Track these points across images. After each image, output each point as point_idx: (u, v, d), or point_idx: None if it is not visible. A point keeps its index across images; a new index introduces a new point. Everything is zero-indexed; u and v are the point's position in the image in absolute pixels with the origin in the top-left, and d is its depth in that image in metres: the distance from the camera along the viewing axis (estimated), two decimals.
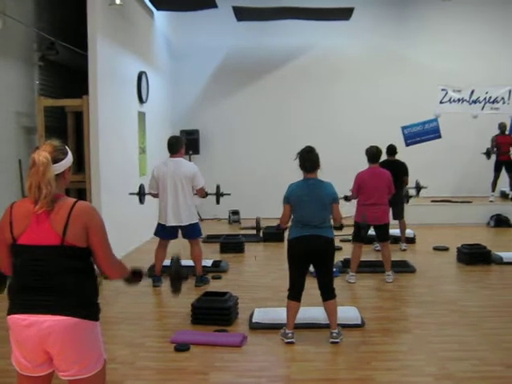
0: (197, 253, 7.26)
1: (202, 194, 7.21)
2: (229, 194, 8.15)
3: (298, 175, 5.29)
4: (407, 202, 9.48)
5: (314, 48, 13.43)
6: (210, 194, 7.59)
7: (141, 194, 7.60)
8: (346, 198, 7.44)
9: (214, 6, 11.06)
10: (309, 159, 5.19)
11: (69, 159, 2.90)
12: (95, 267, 2.91)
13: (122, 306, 6.45)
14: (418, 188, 9.93)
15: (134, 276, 3.22)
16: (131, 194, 7.77)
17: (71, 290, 2.75)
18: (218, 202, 8.00)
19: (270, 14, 11.70)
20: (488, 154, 12.49)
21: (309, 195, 5.14)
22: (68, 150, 2.92)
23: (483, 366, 4.66)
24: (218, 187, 7.92)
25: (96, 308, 2.87)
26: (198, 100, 13.53)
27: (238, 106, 13.53)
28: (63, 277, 2.74)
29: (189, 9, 11.84)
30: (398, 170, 8.88)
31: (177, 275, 3.52)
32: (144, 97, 10.45)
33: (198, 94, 13.56)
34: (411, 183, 9.59)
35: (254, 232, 10.24)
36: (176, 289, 3.51)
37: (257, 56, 13.40)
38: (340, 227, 5.50)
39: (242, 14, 11.59)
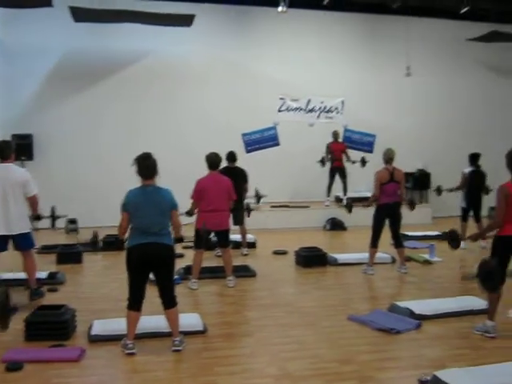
0: (30, 265, 6.80)
1: (35, 201, 6.76)
2: (66, 216, 7.85)
3: (138, 182, 5.16)
4: (248, 215, 9.68)
5: (156, 53, 13.28)
6: (45, 218, 7.22)
7: None
8: (188, 213, 7.44)
9: (49, 4, 10.56)
10: (146, 166, 5.07)
11: None
12: None
13: None
14: (258, 196, 10.17)
15: None
16: None
17: None
18: (53, 226, 7.75)
19: (109, 16, 11.37)
20: (323, 161, 13.11)
21: (147, 202, 5.03)
22: None
23: (320, 363, 4.84)
24: (52, 209, 7.58)
25: None
26: (31, 103, 12.78)
27: (77, 109, 12.98)
28: None
29: (20, 6, 11.18)
30: (238, 177, 9.00)
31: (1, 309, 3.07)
32: None
33: (31, 97, 12.81)
34: (252, 190, 9.78)
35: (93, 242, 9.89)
36: (2, 324, 3.07)
37: (97, 59, 12.97)
38: (181, 240, 5.43)
39: (80, 14, 11.15)
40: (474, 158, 10.11)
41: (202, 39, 13.30)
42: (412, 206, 9.25)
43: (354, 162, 13.13)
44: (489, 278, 5.13)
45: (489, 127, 15.34)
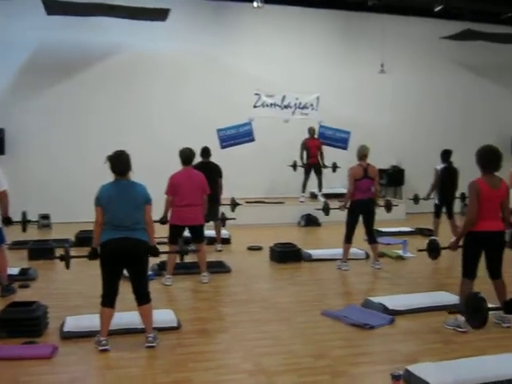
0: (1, 261, 6.73)
1: (4, 197, 6.66)
2: (37, 222, 7.74)
3: (113, 176, 5.12)
4: (224, 225, 9.75)
5: (132, 48, 13.13)
6: (17, 223, 7.14)
7: None
8: (162, 222, 7.43)
9: None
10: (119, 162, 5.04)
11: None
12: None
13: None
14: (234, 204, 10.18)
15: None
16: None
17: None
18: (24, 230, 7.72)
19: (82, 9, 11.21)
20: (294, 166, 13.10)
21: (120, 196, 5.00)
22: None
23: (294, 358, 4.86)
24: (23, 214, 7.51)
25: None
26: (3, 96, 12.54)
27: (51, 103, 12.76)
28: None
29: None
30: (213, 172, 9.00)
31: None
32: None
33: (3, 90, 12.58)
34: (226, 190, 9.74)
35: (65, 236, 9.80)
36: None
37: (72, 53, 12.76)
38: (155, 250, 5.31)
39: (53, 7, 11.00)
40: (446, 155, 10.20)
41: (177, 34, 13.22)
42: (389, 208, 9.34)
43: (325, 167, 13.20)
44: (476, 314, 4.85)
45: (463, 124, 15.54)
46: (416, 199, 10.84)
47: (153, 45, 13.20)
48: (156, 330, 5.19)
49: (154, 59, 13.32)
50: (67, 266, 5.65)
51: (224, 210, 9.94)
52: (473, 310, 4.80)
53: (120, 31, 12.76)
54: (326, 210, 9.68)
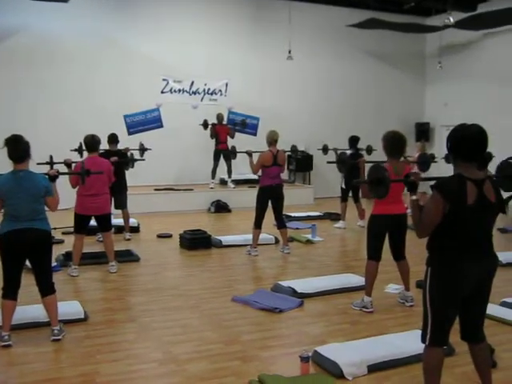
0: None
1: None
2: None
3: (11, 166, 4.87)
4: (132, 166, 9.50)
5: (29, 29, 12.53)
6: None
7: None
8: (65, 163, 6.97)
9: None
10: (16, 149, 4.79)
11: None
12: None
13: None
14: (142, 149, 10.03)
15: None
16: None
17: None
18: None
19: None
20: (205, 124, 12.96)
21: (18, 188, 4.76)
22: None
23: (205, 345, 4.85)
24: None
25: None
26: None
27: None
28: None
29: None
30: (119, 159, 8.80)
31: None
32: None
33: None
34: (136, 144, 9.58)
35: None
36: None
37: None
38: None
39: None
40: (354, 141, 10.49)
41: (80, 16, 12.74)
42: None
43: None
44: (380, 184, 4.50)
45: (372, 111, 16.05)
46: (325, 149, 11.21)
47: (53, 26, 12.63)
48: (62, 322, 5.04)
49: (56, 42, 12.72)
50: None
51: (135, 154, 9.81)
52: (377, 179, 4.53)
53: (21, 12, 12.17)
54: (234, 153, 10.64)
